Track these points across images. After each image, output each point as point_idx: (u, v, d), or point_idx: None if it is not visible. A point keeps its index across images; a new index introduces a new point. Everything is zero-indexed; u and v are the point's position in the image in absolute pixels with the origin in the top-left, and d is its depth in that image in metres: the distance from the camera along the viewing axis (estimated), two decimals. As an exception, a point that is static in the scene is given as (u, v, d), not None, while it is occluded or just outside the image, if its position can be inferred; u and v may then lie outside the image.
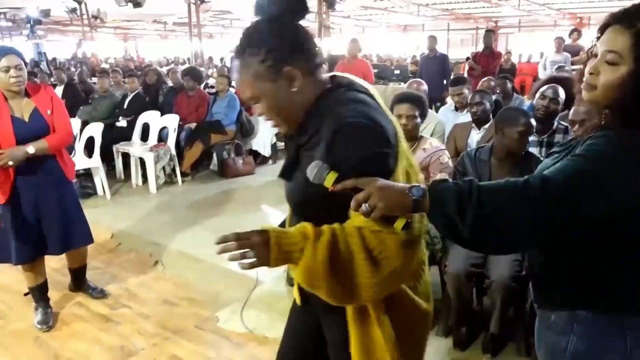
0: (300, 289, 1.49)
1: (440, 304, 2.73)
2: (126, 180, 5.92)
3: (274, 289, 3.35)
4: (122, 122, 6.16)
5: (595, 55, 1.12)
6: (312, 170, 1.10)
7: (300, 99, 1.21)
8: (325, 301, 1.19)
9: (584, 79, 1.14)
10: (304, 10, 1.23)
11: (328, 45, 11.45)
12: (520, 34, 21.78)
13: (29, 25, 9.21)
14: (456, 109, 4.34)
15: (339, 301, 1.19)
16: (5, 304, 3.22)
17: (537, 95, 3.33)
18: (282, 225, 1.58)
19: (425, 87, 3.87)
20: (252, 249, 1.12)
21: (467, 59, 14.53)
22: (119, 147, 5.81)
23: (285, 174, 1.31)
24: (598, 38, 1.13)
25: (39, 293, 2.98)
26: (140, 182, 5.71)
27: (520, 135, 2.53)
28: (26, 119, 2.72)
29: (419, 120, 2.93)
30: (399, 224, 1.07)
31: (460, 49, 20.82)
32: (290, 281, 3.35)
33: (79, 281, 3.28)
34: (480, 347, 2.59)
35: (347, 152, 1.12)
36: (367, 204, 1.06)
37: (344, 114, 1.15)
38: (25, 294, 3.14)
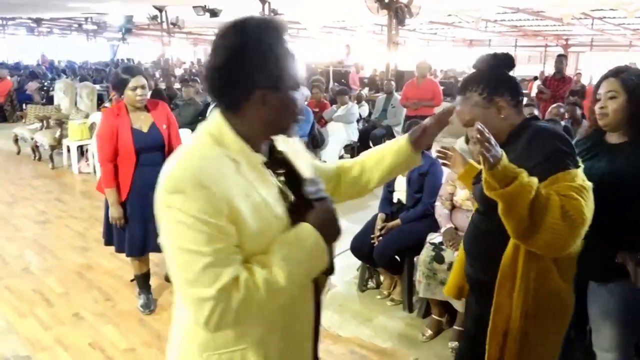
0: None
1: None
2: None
3: (346, 293, 3.65)
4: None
5: (599, 100, 1.87)
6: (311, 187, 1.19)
7: (506, 124, 1.64)
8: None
9: (597, 112, 1.86)
10: (512, 65, 1.70)
11: (395, 60, 11.73)
12: (592, 52, 21.20)
13: (121, 34, 9.89)
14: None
15: (521, 232, 1.46)
16: (112, 288, 3.68)
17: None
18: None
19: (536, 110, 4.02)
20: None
21: (535, 78, 14.43)
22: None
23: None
24: (596, 91, 1.90)
25: (143, 281, 3.41)
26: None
27: None
28: (145, 131, 3.12)
29: None
30: None
31: (527, 65, 20.51)
32: (361, 286, 3.65)
33: (146, 283, 3.55)
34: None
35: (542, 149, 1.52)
36: None
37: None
38: (131, 280, 3.59)
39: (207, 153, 1.08)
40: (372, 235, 3.40)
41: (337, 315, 3.34)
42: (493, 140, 1.38)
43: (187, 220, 1.01)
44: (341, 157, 7.09)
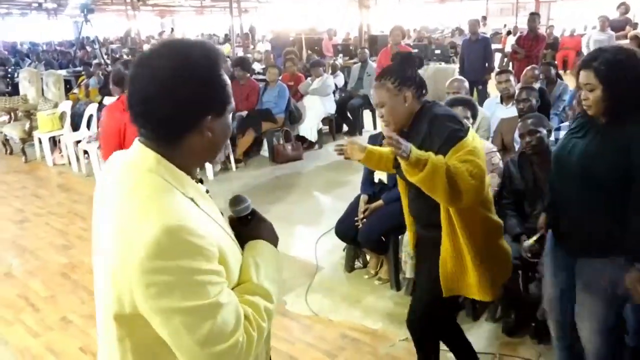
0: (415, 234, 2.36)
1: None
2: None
3: (333, 275, 3.68)
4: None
5: (581, 89, 1.96)
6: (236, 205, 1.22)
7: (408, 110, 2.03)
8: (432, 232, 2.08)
9: (583, 103, 1.94)
10: (421, 65, 2.48)
11: (367, 22, 11.55)
12: (564, 1, 21.13)
13: (82, 14, 9.53)
14: (501, 101, 4.49)
15: (449, 200, 1.85)
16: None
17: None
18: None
19: (466, 83, 4.00)
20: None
21: (509, 33, 14.35)
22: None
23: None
24: (577, 77, 1.95)
25: None
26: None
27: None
28: None
29: (470, 120, 3.14)
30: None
31: (499, 18, 20.40)
32: (348, 267, 3.67)
33: None
34: (529, 333, 2.85)
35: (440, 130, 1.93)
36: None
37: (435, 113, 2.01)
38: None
39: (169, 197, 0.98)
40: (355, 218, 3.40)
41: (327, 299, 3.36)
42: (401, 140, 1.75)
43: (184, 279, 0.92)
44: (319, 131, 7.04)
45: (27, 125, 6.89)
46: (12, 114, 7.24)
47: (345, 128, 7.71)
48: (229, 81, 1.07)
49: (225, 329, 0.95)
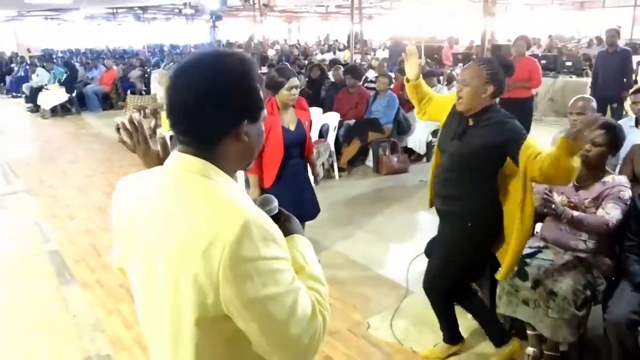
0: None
1: (602, 342, 2.64)
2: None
3: (424, 301, 3.41)
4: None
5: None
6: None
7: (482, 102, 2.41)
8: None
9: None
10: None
11: (492, 30, 10.92)
12: None
13: (211, 20, 10.16)
14: (636, 123, 3.94)
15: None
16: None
17: None
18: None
19: (593, 103, 3.52)
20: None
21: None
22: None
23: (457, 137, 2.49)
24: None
25: None
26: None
27: None
28: (292, 129, 3.38)
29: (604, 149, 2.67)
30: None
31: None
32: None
33: None
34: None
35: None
36: None
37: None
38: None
39: (233, 194, 1.03)
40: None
41: (413, 328, 3.16)
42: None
43: (270, 266, 0.97)
44: (429, 143, 6.75)
45: (153, 123, 7.44)
46: (142, 111, 7.87)
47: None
48: (260, 89, 1.11)
49: (308, 312, 1.01)
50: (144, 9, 22.27)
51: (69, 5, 16.85)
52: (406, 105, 6.87)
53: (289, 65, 8.06)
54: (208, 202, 0.99)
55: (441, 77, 8.12)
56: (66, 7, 18.79)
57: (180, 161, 1.06)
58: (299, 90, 3.36)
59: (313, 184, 3.64)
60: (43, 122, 11.00)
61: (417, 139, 6.61)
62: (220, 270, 0.93)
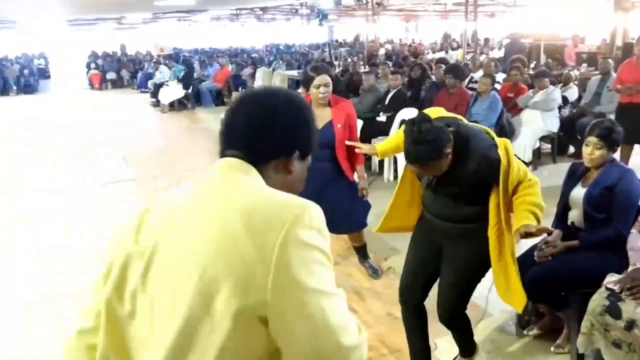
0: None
1: None
2: (380, 174, 6.19)
3: (502, 326, 3.11)
4: (382, 117, 6.44)
5: None
6: None
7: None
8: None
9: None
10: None
11: (625, 27, 9.74)
12: None
13: (318, 19, 10.29)
14: None
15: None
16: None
17: None
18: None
19: None
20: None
21: None
22: (377, 142, 6.09)
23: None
24: None
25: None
26: (392, 178, 5.91)
27: None
28: (318, 128, 3.15)
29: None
30: None
31: None
32: (521, 323, 3.06)
33: (360, 255, 3.88)
34: None
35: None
36: None
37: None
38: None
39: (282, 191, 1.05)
40: (536, 253, 2.78)
41: (486, 355, 2.84)
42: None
43: (323, 260, 0.95)
44: (536, 150, 6.17)
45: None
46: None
47: (571, 149, 6.63)
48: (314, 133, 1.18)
49: (353, 324, 0.96)
50: (264, 9, 23.15)
51: (195, 7, 17.95)
52: (515, 109, 6.35)
53: (389, 65, 7.89)
54: (262, 192, 1.00)
55: (563, 74, 7.38)
56: (193, 9, 20.09)
57: (230, 165, 1.07)
58: (330, 88, 3.16)
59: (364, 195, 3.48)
60: (161, 116, 11.84)
61: (523, 145, 6.06)
62: (277, 248, 0.90)
